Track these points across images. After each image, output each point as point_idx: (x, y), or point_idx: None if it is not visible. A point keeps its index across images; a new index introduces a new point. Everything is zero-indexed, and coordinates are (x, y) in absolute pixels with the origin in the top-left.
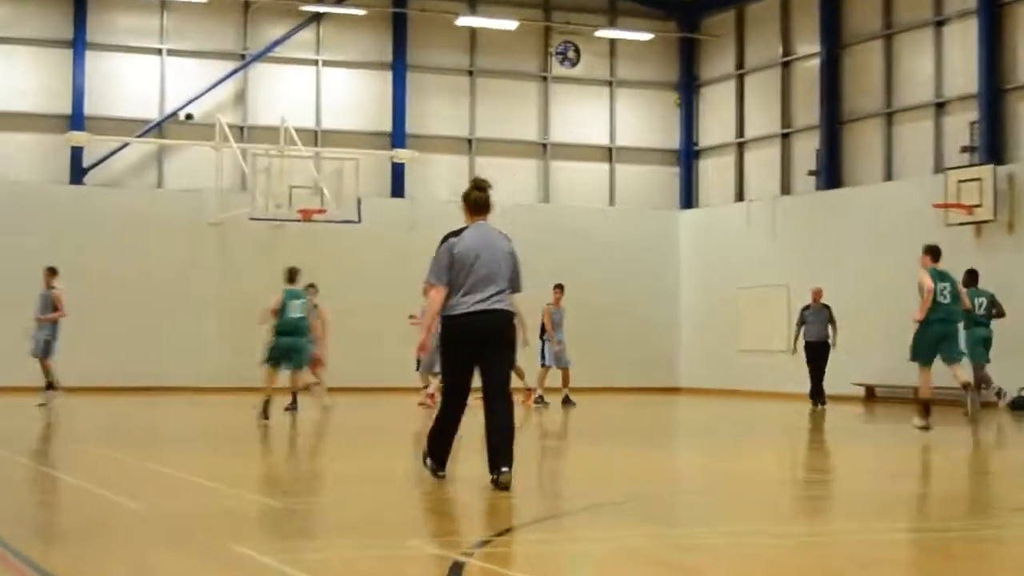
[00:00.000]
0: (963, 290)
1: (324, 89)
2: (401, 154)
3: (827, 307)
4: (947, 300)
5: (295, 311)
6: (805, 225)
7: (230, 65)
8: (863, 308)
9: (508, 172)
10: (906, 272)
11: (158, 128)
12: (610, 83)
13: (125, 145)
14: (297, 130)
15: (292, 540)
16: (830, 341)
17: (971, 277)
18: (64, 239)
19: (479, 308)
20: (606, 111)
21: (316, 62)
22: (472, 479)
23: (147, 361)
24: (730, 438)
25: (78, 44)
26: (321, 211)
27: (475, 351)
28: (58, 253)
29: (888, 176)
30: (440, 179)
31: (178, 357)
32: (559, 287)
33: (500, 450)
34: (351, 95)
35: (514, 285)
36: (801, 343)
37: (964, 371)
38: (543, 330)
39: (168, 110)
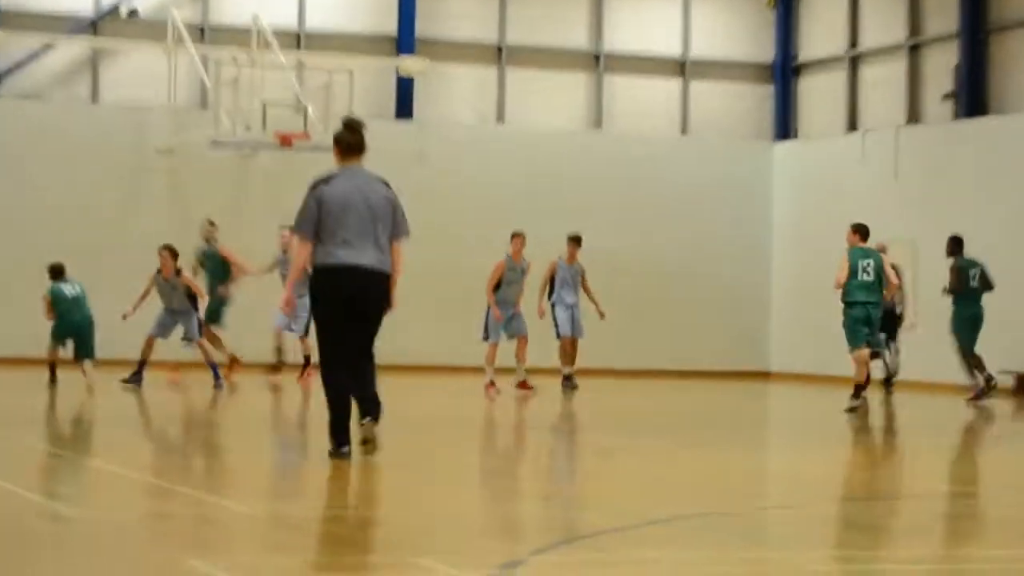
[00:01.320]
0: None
1: None
2: (409, 64)
3: (895, 268)
4: (870, 277)
5: None
6: (937, 163)
7: None
8: (1015, 271)
9: (549, 90)
10: None
11: (92, 26)
12: None
13: (49, 47)
14: (274, 31)
15: (268, 554)
16: (899, 311)
17: (956, 245)
18: None
19: (349, 262)
20: (678, 12)
21: None
22: (498, 488)
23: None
24: (831, 438)
25: None
26: (304, 136)
27: (345, 307)
28: None
29: None
30: (459, 98)
31: (116, 321)
32: (575, 239)
33: (361, 402)
34: None
35: (396, 232)
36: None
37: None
38: (551, 291)
39: (106, 3)
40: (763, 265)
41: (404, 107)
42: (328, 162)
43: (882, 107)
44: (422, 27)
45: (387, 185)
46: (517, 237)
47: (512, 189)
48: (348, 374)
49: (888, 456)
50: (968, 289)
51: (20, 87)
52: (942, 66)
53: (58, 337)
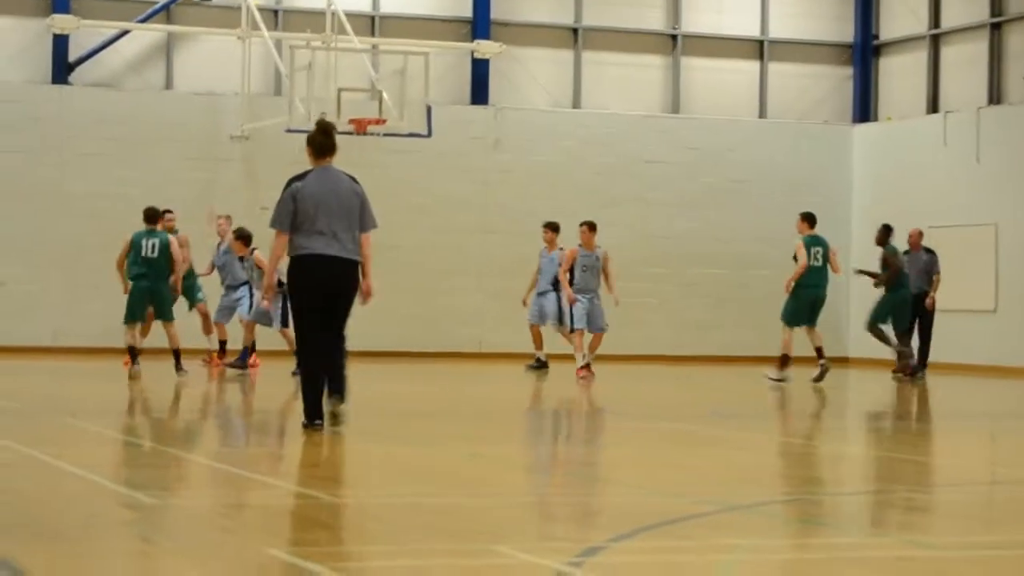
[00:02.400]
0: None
1: None
2: (485, 47)
3: (930, 252)
4: (819, 263)
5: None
6: (1021, 145)
7: None
8: None
9: (625, 73)
10: None
11: (166, 11)
12: None
13: (124, 33)
14: (348, 15)
15: (348, 544)
16: (932, 295)
17: (886, 233)
18: (42, 155)
19: (322, 253)
20: None
21: None
22: (577, 472)
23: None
24: (909, 423)
25: None
26: (380, 121)
27: (319, 295)
28: (34, 173)
29: None
30: (535, 82)
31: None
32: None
33: (331, 380)
34: None
35: (364, 224)
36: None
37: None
38: (572, 279)
39: None
40: (843, 249)
41: (480, 92)
42: (401, 147)
43: (964, 87)
44: (497, 10)
45: (356, 182)
46: (583, 226)
47: (588, 175)
48: (322, 352)
49: (965, 442)
50: (902, 275)
51: (94, 75)
52: None
53: (131, 308)
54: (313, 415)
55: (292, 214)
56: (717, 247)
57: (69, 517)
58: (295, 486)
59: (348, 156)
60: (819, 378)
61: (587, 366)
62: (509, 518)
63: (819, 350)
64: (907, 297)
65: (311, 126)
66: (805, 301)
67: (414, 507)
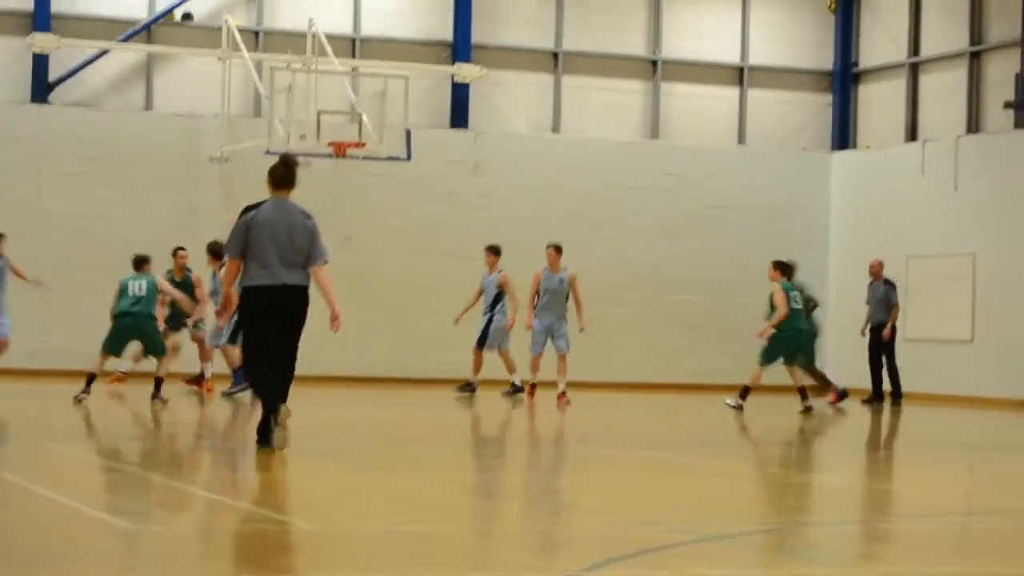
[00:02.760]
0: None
1: None
2: (465, 71)
3: (890, 283)
4: (798, 306)
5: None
6: (999, 174)
7: None
8: None
9: (605, 98)
10: None
11: (147, 31)
12: None
13: (104, 53)
14: (329, 37)
15: (323, 571)
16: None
17: (786, 269)
18: (20, 175)
19: (272, 282)
20: (737, 19)
21: None
22: (552, 500)
23: None
24: (882, 452)
25: None
26: (359, 144)
27: (269, 321)
28: (12, 192)
29: None
30: (515, 105)
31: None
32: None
33: (275, 389)
34: None
35: (313, 257)
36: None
37: (803, 376)
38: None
39: (160, 8)
40: (820, 276)
41: (460, 115)
42: (381, 170)
43: (943, 116)
44: (478, 33)
45: (308, 216)
46: (548, 248)
47: (567, 200)
48: (270, 379)
49: (940, 472)
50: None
51: (73, 95)
52: (1004, 74)
53: (112, 338)
54: (267, 440)
55: (245, 242)
56: (695, 273)
57: (47, 542)
58: (272, 512)
59: (327, 179)
60: (805, 411)
61: (533, 387)
62: (484, 546)
63: (803, 390)
64: (802, 329)
65: (291, 148)
66: (788, 343)
67: (389, 534)
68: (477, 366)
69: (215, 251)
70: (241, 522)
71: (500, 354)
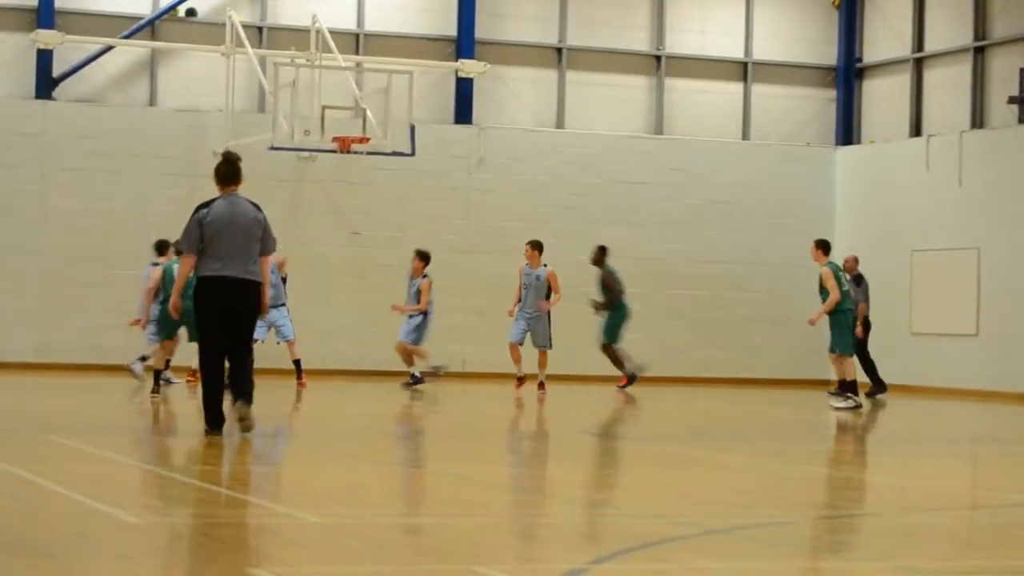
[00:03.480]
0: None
1: None
2: (469, 66)
3: (861, 278)
4: (846, 287)
5: None
6: (1003, 169)
7: None
8: None
9: (609, 93)
10: None
11: (151, 27)
12: None
13: (108, 49)
14: (333, 33)
15: (329, 564)
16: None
17: (601, 253)
18: (25, 171)
19: (225, 274)
20: (741, 14)
21: None
22: (557, 493)
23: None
24: (889, 446)
25: None
26: (363, 140)
27: (222, 313)
28: (16, 187)
29: None
30: (519, 101)
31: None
32: (532, 244)
33: (237, 386)
34: None
35: (264, 249)
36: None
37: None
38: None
39: (164, 4)
40: None
41: (464, 110)
42: (385, 165)
43: (947, 111)
44: (482, 29)
45: (259, 209)
46: (527, 245)
47: (571, 195)
48: (222, 364)
49: (949, 465)
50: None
51: (78, 90)
52: (1009, 69)
53: (171, 325)
54: (214, 421)
55: (199, 239)
56: (699, 268)
57: (52, 535)
58: (277, 505)
59: (332, 174)
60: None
61: (520, 379)
62: (490, 539)
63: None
64: (629, 312)
65: (295, 143)
66: (849, 325)
67: (396, 527)
68: (408, 359)
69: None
70: (247, 515)
71: (405, 349)
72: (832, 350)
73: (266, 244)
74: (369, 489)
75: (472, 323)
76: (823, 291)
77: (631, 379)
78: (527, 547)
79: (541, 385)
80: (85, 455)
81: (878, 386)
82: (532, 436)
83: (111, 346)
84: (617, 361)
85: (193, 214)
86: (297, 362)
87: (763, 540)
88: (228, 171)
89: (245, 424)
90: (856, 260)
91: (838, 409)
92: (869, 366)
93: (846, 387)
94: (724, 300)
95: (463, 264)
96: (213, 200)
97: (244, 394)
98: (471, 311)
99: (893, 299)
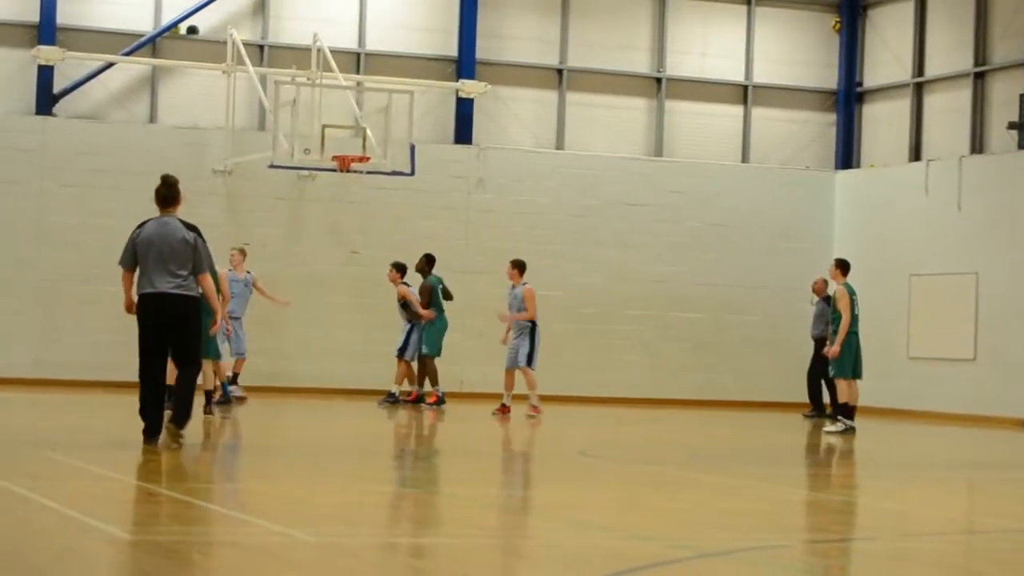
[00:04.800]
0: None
1: None
2: (469, 87)
3: (827, 299)
4: (858, 312)
5: None
6: (1002, 194)
7: None
8: None
9: (609, 115)
10: None
11: (151, 44)
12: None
13: (109, 66)
14: (334, 52)
15: None
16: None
17: (426, 262)
18: (25, 187)
19: (156, 291)
20: (741, 37)
21: None
22: (552, 514)
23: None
24: (886, 471)
25: None
26: (363, 159)
27: (157, 326)
28: (16, 203)
29: None
30: (519, 122)
31: None
32: (512, 263)
33: (175, 404)
34: (405, 7)
35: (196, 269)
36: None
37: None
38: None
39: (165, 21)
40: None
41: (464, 130)
42: (384, 184)
43: (946, 136)
44: (483, 50)
45: (191, 229)
46: (512, 266)
47: (570, 216)
48: (154, 377)
49: (944, 491)
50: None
51: (78, 107)
52: (1009, 94)
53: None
54: (145, 432)
55: (133, 256)
56: (698, 291)
57: (43, 551)
58: (272, 524)
59: (331, 193)
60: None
61: (504, 407)
62: (484, 560)
63: (848, 407)
64: (447, 325)
65: (295, 162)
66: (854, 348)
67: (390, 547)
68: (401, 377)
69: None
70: (240, 533)
71: (407, 364)
72: (831, 372)
73: (198, 262)
74: (364, 508)
75: (470, 344)
76: (835, 313)
77: (440, 399)
78: (521, 568)
79: (533, 407)
80: (80, 471)
81: (817, 409)
82: (528, 457)
83: (109, 363)
84: (433, 376)
85: (130, 235)
86: (235, 376)
87: (760, 563)
88: (167, 193)
89: (172, 447)
90: (825, 282)
91: (830, 433)
92: (816, 388)
93: (842, 410)
94: (723, 323)
95: (462, 284)
96: (147, 221)
97: (176, 417)
98: (470, 332)
99: (891, 323)
